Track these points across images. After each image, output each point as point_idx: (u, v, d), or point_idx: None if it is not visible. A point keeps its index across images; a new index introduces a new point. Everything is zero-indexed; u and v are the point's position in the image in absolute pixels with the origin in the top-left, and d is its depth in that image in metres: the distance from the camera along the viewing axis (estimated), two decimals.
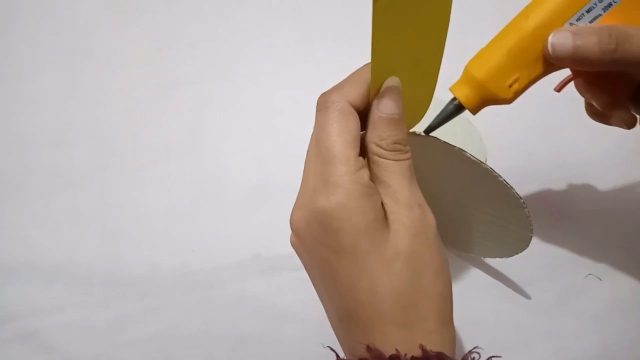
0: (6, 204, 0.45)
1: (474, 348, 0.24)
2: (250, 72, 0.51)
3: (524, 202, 0.29)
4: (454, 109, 0.30)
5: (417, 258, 0.24)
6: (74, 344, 0.40)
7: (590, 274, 0.41)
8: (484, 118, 0.49)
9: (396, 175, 0.25)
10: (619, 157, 0.47)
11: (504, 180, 0.29)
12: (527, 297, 0.41)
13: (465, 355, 0.24)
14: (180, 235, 0.43)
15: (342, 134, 0.24)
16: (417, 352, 0.23)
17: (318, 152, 0.25)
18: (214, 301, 0.41)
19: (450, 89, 0.31)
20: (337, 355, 0.24)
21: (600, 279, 0.41)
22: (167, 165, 0.46)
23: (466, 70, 0.30)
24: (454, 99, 0.30)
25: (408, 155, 0.26)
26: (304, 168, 0.26)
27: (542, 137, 0.47)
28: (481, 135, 0.46)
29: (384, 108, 0.25)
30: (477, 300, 0.41)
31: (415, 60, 0.25)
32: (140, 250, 0.43)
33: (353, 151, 0.24)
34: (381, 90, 0.25)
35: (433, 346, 0.23)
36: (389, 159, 0.25)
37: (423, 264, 0.24)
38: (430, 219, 0.25)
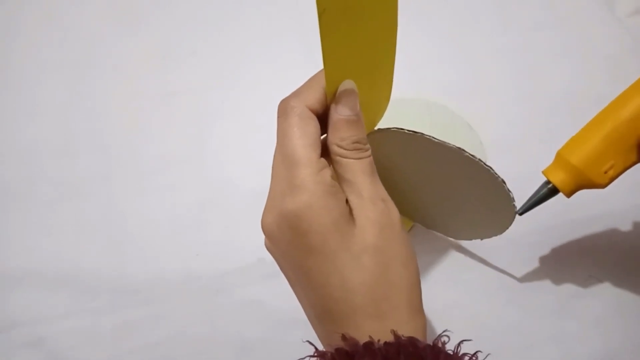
0: (12, 213, 0.45)
1: (444, 332, 0.25)
2: (253, 80, 0.52)
3: (503, 181, 0.30)
4: (548, 193, 0.32)
5: (384, 251, 0.25)
6: (80, 351, 0.40)
7: (590, 276, 0.42)
8: (484, 123, 0.50)
9: (359, 173, 0.26)
10: None
11: (480, 160, 0.29)
12: (529, 300, 0.41)
13: (436, 339, 0.25)
14: (184, 242, 0.44)
15: (302, 138, 0.25)
16: (390, 338, 0.24)
17: (281, 157, 0.26)
18: (218, 307, 0.41)
19: (544, 173, 0.32)
20: (316, 348, 0.25)
21: (600, 281, 0.41)
22: (170, 173, 0.47)
23: (560, 156, 0.32)
24: (548, 182, 0.32)
25: (368, 152, 0.27)
26: (272, 173, 0.27)
27: (542, 141, 0.48)
28: (481, 140, 0.47)
29: (342, 110, 0.26)
30: (480, 305, 0.41)
31: (370, 63, 0.27)
32: (144, 257, 0.43)
33: (314, 153, 0.25)
34: (337, 93, 0.26)
35: (405, 334, 0.24)
36: (351, 158, 0.26)
37: (390, 257, 0.25)
38: (394, 212, 0.26)
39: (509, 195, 0.30)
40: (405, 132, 0.30)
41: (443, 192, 0.34)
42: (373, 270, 0.25)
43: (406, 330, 0.24)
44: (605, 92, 0.51)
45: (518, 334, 0.40)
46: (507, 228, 0.34)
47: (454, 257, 0.43)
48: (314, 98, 0.26)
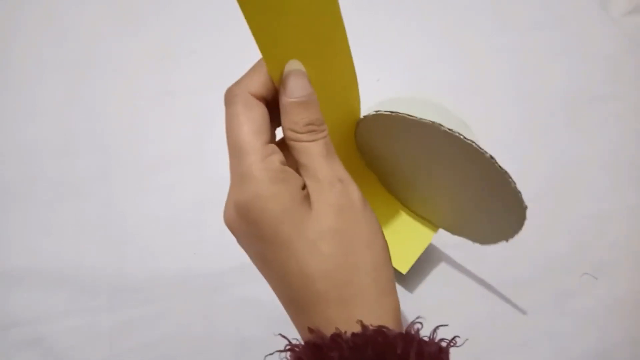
0: (11, 212, 0.45)
1: (417, 318, 0.24)
2: None
3: (491, 156, 0.28)
4: None
5: (344, 233, 0.24)
6: (79, 350, 0.40)
7: (585, 274, 0.42)
8: (481, 122, 0.50)
9: (314, 155, 0.25)
10: (613, 157, 0.48)
11: (460, 134, 0.27)
12: (524, 298, 0.41)
13: (408, 326, 0.24)
14: (183, 241, 0.44)
15: (246, 125, 0.24)
16: (357, 328, 0.23)
17: (229, 147, 0.25)
18: (217, 305, 0.41)
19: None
20: (288, 341, 0.25)
21: (595, 278, 0.42)
22: (170, 172, 0.47)
23: None
24: None
25: (324, 133, 0.25)
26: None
27: (537, 139, 0.48)
28: (478, 137, 0.47)
29: (290, 93, 0.25)
30: (475, 303, 0.41)
31: (314, 39, 0.25)
32: (143, 257, 0.43)
33: (259, 140, 0.24)
34: (283, 76, 0.25)
35: (373, 319, 0.23)
36: (304, 141, 0.25)
37: (351, 238, 0.24)
38: (354, 191, 0.25)
39: (501, 170, 0.28)
40: (383, 114, 0.29)
41: (447, 181, 0.33)
42: (332, 255, 0.24)
43: (374, 314, 0.24)
44: (602, 91, 0.52)
45: (512, 331, 0.40)
46: (521, 227, 0.31)
47: (449, 254, 0.43)
48: (258, 82, 0.25)
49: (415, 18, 0.55)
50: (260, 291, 0.42)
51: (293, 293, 0.25)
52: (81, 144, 0.48)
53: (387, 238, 0.27)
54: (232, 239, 0.43)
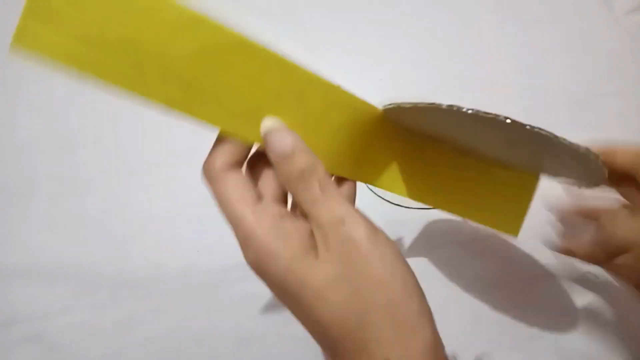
0: (14, 208, 0.45)
1: None
2: None
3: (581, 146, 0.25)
4: None
5: (350, 278, 0.24)
6: (82, 345, 0.40)
7: (587, 272, 0.42)
8: None
9: (311, 202, 0.25)
10: None
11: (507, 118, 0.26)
12: (526, 296, 0.41)
13: None
14: (185, 237, 0.44)
15: (232, 196, 0.25)
16: None
17: (225, 218, 0.26)
18: (218, 301, 0.42)
19: None
20: None
21: (596, 277, 0.42)
22: (172, 168, 0.47)
23: None
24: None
25: (317, 176, 0.25)
26: None
27: None
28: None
29: (273, 149, 0.25)
30: (477, 300, 0.41)
31: (276, 91, 0.26)
32: (146, 252, 0.43)
33: (249, 206, 0.25)
34: (262, 136, 0.26)
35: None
36: (300, 190, 0.25)
37: (358, 282, 0.24)
38: (358, 229, 0.24)
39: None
40: (403, 106, 0.27)
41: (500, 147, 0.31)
42: (340, 302, 0.23)
43: (395, 356, 0.23)
44: (603, 89, 0.52)
45: (514, 329, 0.40)
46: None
47: (452, 253, 0.43)
48: (229, 152, 0.26)
49: (417, 17, 0.55)
50: (260, 288, 0.42)
51: (314, 338, 0.25)
52: (83, 140, 0.49)
53: (482, 202, 0.27)
54: (233, 235, 0.44)
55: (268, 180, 0.27)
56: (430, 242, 0.43)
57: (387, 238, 0.25)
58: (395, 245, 0.25)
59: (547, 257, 0.43)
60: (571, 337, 0.40)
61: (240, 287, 0.42)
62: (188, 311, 0.41)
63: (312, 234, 0.25)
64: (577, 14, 0.56)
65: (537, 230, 0.43)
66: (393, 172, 0.32)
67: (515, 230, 0.35)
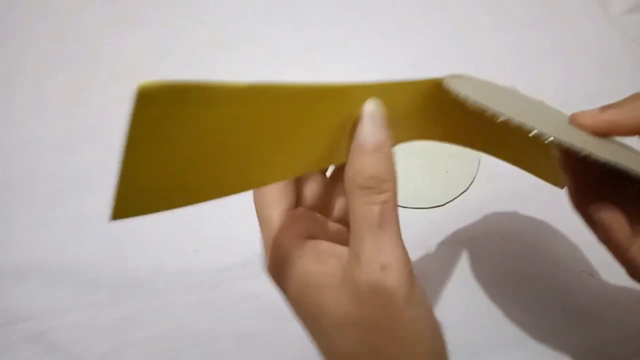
0: (14, 208, 0.46)
1: None
2: (252, 78, 0.52)
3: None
4: None
5: (372, 327, 0.21)
6: (81, 344, 0.40)
7: (583, 270, 0.42)
8: None
9: (362, 224, 0.21)
10: None
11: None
12: (522, 294, 0.42)
13: None
14: (184, 236, 0.44)
15: (265, 196, 0.25)
16: None
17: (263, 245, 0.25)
18: (218, 301, 0.42)
19: None
20: None
21: (592, 275, 0.42)
22: None
23: None
24: None
25: (385, 196, 0.21)
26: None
27: None
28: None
29: (358, 137, 0.22)
30: (475, 298, 0.42)
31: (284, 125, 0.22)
32: (145, 252, 0.44)
33: (278, 211, 0.24)
34: (361, 116, 0.23)
35: None
36: (357, 200, 0.21)
37: (383, 335, 0.21)
38: (395, 283, 0.21)
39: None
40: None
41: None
42: (356, 343, 0.22)
43: None
44: (598, 89, 0.52)
45: (511, 327, 0.40)
46: None
47: (450, 251, 0.43)
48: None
49: (415, 18, 0.55)
50: (261, 287, 0.42)
51: (321, 352, 0.25)
52: (83, 140, 0.49)
53: (539, 162, 0.27)
54: (234, 235, 0.44)
55: (312, 187, 0.26)
56: (428, 240, 0.44)
57: (423, 298, 0.22)
58: (429, 309, 0.23)
59: (544, 256, 0.43)
60: (567, 336, 0.40)
61: (240, 286, 0.42)
62: (188, 310, 0.41)
63: (341, 255, 0.22)
64: (572, 14, 0.56)
65: (535, 229, 0.44)
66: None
67: (561, 183, 0.35)
